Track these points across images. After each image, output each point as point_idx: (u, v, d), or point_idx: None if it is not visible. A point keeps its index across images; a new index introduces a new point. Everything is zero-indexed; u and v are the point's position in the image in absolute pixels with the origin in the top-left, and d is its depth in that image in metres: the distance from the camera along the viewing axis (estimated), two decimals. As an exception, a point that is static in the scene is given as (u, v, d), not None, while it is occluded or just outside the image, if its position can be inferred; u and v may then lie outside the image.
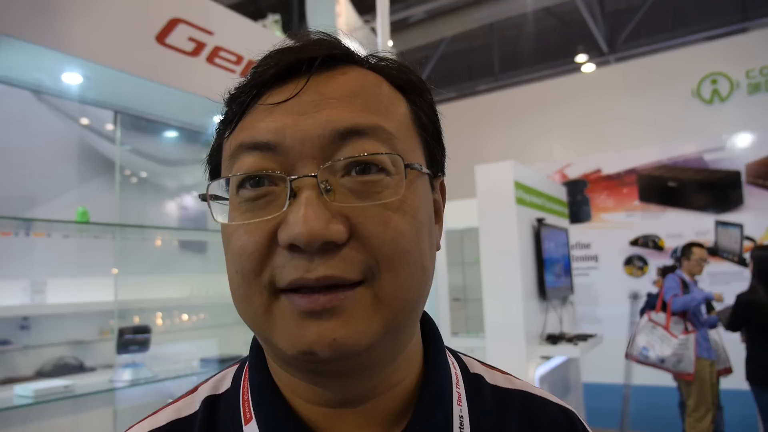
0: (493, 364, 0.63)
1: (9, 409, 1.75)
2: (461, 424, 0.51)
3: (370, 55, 0.52)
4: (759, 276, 4.00)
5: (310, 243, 0.42)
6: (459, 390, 0.54)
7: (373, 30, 4.17)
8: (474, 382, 0.57)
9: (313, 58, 0.47)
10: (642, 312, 4.53)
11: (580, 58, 8.51)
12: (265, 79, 0.47)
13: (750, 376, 4.03)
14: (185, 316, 3.55)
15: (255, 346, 0.55)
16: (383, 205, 0.45)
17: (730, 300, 4.30)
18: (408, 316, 0.48)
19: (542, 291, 3.91)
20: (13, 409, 1.76)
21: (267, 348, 0.50)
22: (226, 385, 0.56)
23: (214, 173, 0.52)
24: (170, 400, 0.58)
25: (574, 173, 6.92)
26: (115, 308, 2.29)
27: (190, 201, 3.59)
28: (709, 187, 6.17)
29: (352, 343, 0.43)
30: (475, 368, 0.60)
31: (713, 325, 4.24)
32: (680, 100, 6.39)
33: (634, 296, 5.24)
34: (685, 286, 4.26)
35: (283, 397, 0.51)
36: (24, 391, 1.80)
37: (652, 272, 6.36)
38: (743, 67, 6.08)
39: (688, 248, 4.38)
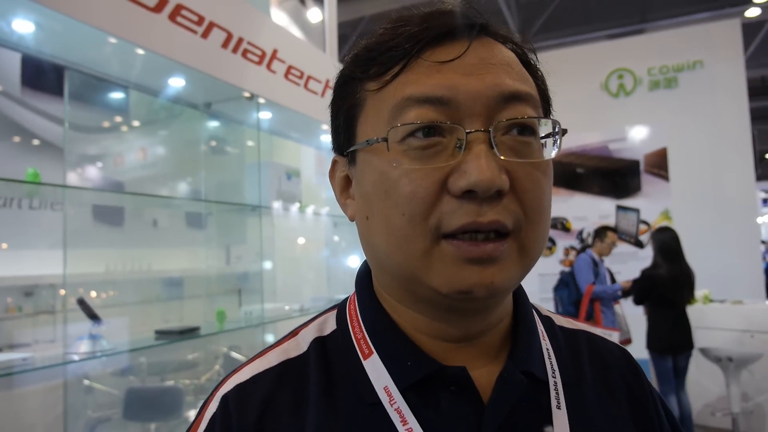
0: None
1: None
2: (549, 356, 0.60)
3: (496, 27, 0.56)
4: (661, 253, 4.40)
5: (489, 189, 0.47)
6: (541, 328, 0.62)
7: (302, 1, 4.10)
8: (547, 323, 0.65)
9: (471, 24, 0.52)
10: (555, 289, 4.84)
11: (497, 46, 8.80)
12: (429, 38, 0.51)
13: (650, 344, 4.43)
14: (93, 293, 3.33)
15: (364, 287, 0.61)
16: (534, 164, 0.51)
17: (625, 279, 4.71)
18: (534, 264, 0.54)
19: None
20: None
21: (404, 287, 0.54)
22: (331, 327, 0.61)
23: (349, 126, 0.56)
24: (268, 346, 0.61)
25: (491, 157, 7.20)
26: (64, 281, 2.10)
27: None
28: (611, 175, 6.66)
29: (504, 287, 0.50)
30: (544, 312, 0.68)
31: (616, 297, 4.61)
32: (589, 92, 6.82)
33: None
34: (596, 265, 4.59)
35: (404, 332, 0.56)
36: None
37: (559, 252, 6.79)
38: (646, 64, 6.58)
39: (603, 231, 4.71)
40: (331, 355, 0.57)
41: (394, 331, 0.56)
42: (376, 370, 0.54)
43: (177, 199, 3.12)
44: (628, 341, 4.73)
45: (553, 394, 0.56)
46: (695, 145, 6.29)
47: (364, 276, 0.62)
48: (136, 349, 2.13)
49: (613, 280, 4.78)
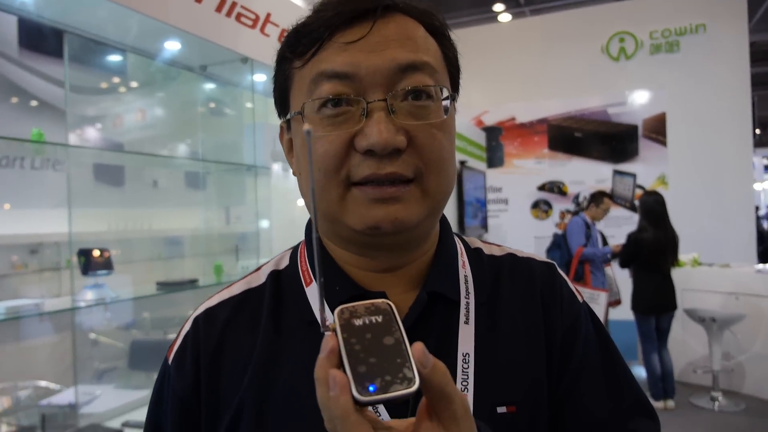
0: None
1: None
2: (466, 281, 0.70)
3: (402, 3, 0.64)
4: (646, 217, 4.48)
5: (384, 148, 0.58)
6: (463, 259, 0.73)
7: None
8: (474, 254, 0.75)
9: (374, 7, 0.60)
10: (548, 251, 4.95)
11: (498, 7, 8.68)
12: (339, 22, 0.60)
13: (634, 305, 4.56)
14: (97, 252, 3.45)
15: (309, 230, 0.72)
16: (431, 124, 0.61)
17: (618, 242, 4.81)
18: (442, 205, 0.66)
19: (462, 229, 4.17)
20: None
21: (330, 229, 0.66)
22: (286, 262, 0.73)
23: (283, 97, 0.67)
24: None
25: (490, 120, 7.21)
26: (69, 239, 2.21)
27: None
28: (609, 139, 6.68)
29: (408, 222, 0.61)
30: (476, 244, 0.78)
31: (606, 260, 4.72)
32: (590, 55, 6.77)
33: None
34: (588, 228, 4.69)
35: (337, 264, 0.68)
36: None
37: (555, 215, 6.88)
38: (648, 28, 6.51)
39: (599, 196, 4.78)
40: (282, 285, 0.70)
41: (328, 263, 0.68)
42: (314, 295, 0.66)
43: (175, 159, 3.20)
44: (618, 302, 4.87)
45: (462, 311, 0.66)
46: (694, 110, 6.29)
47: (309, 221, 0.73)
48: (138, 298, 2.26)
49: (605, 243, 4.89)
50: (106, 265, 2.16)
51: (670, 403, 4.48)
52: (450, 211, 3.95)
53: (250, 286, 0.71)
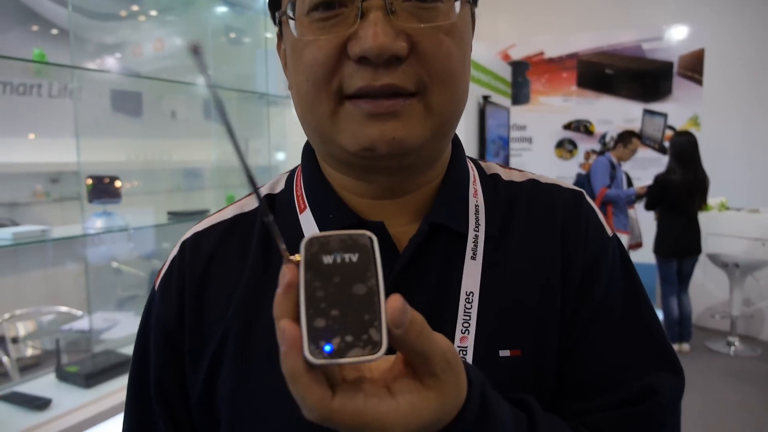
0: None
1: None
2: (476, 211, 0.62)
3: None
4: (676, 158, 4.33)
5: (379, 55, 0.49)
6: (475, 186, 0.65)
7: None
8: (490, 181, 0.67)
9: None
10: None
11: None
12: None
13: (656, 248, 4.49)
14: (127, 183, 3.45)
15: (307, 151, 0.65)
16: (438, 27, 0.52)
17: (643, 185, 4.68)
18: (450, 125, 0.57)
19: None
20: None
21: (324, 149, 0.59)
22: (281, 186, 0.67)
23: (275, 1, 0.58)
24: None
25: (517, 54, 6.93)
26: (79, 169, 2.20)
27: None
28: (642, 77, 6.39)
29: (407, 142, 0.52)
30: (493, 170, 0.69)
31: (630, 202, 4.62)
32: (627, -15, 6.38)
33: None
34: (613, 169, 4.56)
35: (333, 190, 0.61)
36: (2, 234, 1.81)
37: (580, 155, 6.70)
38: (691, -45, 6.08)
39: (628, 136, 4.61)
40: (276, 211, 0.64)
41: (325, 189, 0.61)
42: (308, 223, 0.60)
43: (193, 85, 3.14)
44: (639, 245, 4.80)
45: (470, 245, 0.59)
46: (734, 47, 5.94)
47: (308, 143, 0.66)
48: (148, 227, 2.27)
49: (630, 185, 4.77)
50: (114, 193, 2.14)
51: (685, 347, 4.48)
52: (471, 148, 3.85)
53: (242, 211, 0.66)
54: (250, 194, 0.69)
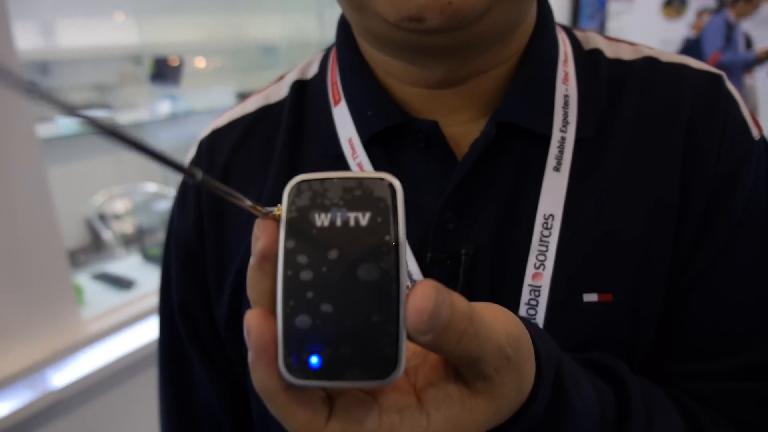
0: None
1: (57, 138, 1.84)
2: (565, 104, 0.47)
3: None
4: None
5: None
6: (567, 69, 0.48)
7: None
8: (587, 59, 0.50)
9: None
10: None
11: None
12: None
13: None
14: (205, 62, 3.46)
15: (342, 24, 0.51)
16: None
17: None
18: None
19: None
20: (59, 139, 1.86)
21: (360, 22, 0.43)
22: (314, 70, 0.54)
23: None
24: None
25: None
26: (141, 52, 2.20)
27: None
28: None
29: (468, 8, 0.37)
30: (593, 44, 0.51)
31: (748, 66, 4.10)
32: None
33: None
34: (729, 29, 4.01)
35: (375, 76, 0.48)
36: (71, 123, 1.85)
37: (690, 15, 5.94)
38: None
39: (749, -16, 3.98)
40: (307, 101, 0.52)
41: (363, 75, 0.48)
42: (342, 119, 0.49)
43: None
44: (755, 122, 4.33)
45: (553, 152, 0.45)
46: None
47: (343, 14, 0.51)
48: (214, 111, 2.25)
49: (749, 47, 4.20)
50: (174, 75, 2.08)
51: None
52: (560, 10, 3.44)
53: (268, 102, 0.54)
54: (278, 79, 0.56)
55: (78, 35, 3.39)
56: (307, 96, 0.53)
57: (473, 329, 0.25)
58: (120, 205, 2.12)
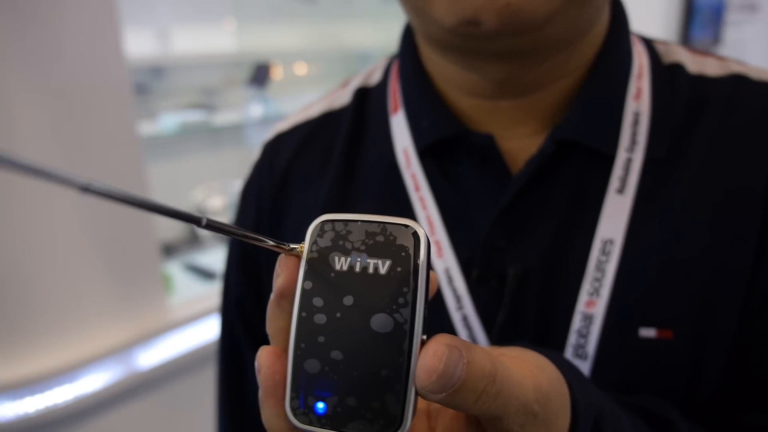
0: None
1: (159, 137, 2.05)
2: (635, 122, 0.43)
3: None
4: None
5: None
6: (641, 84, 0.45)
7: None
8: (666, 75, 0.46)
9: None
10: None
11: None
12: None
13: None
14: (303, 68, 3.60)
15: (406, 32, 0.51)
16: None
17: None
18: None
19: (685, 43, 3.47)
20: (160, 138, 2.06)
21: (421, 28, 0.43)
22: (378, 77, 0.54)
23: None
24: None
25: None
26: (240, 59, 2.39)
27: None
28: None
29: (528, 11, 0.35)
30: (675, 57, 0.47)
31: None
32: None
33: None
34: None
35: (433, 86, 0.47)
36: (170, 120, 2.03)
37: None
38: None
39: None
40: (368, 109, 0.52)
41: (422, 84, 0.47)
42: (399, 128, 0.48)
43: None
44: None
45: (617, 173, 0.42)
46: None
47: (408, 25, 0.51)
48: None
49: None
50: (264, 79, 2.22)
51: None
52: (671, 17, 3.14)
53: (331, 107, 0.54)
54: (344, 85, 0.56)
55: (190, 41, 3.65)
56: (368, 103, 0.53)
57: (495, 389, 0.23)
58: (217, 201, 2.24)
